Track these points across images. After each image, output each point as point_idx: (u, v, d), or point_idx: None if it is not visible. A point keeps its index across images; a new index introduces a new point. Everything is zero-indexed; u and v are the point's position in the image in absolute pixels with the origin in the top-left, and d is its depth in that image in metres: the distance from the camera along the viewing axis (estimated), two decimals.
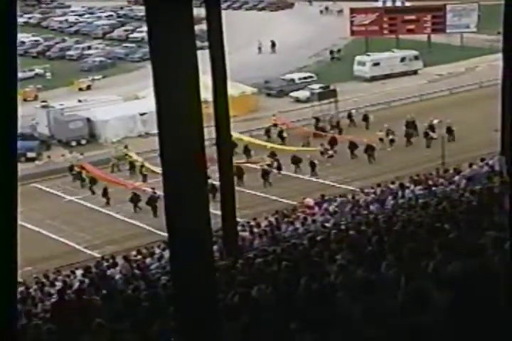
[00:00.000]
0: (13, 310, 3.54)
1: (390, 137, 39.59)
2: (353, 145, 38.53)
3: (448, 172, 27.96)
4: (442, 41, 63.59)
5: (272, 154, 37.56)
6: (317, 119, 44.28)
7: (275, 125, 43.64)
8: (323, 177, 36.03)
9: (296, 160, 36.99)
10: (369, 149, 37.66)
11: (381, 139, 39.66)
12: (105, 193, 33.93)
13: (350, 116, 44.88)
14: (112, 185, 35.11)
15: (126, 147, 40.24)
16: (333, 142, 39.33)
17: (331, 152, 38.23)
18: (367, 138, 39.00)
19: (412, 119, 41.01)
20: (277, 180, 35.93)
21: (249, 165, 36.93)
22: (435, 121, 39.29)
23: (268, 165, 36.36)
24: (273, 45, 68.18)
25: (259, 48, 67.84)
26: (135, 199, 32.78)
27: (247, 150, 38.78)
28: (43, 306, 17.41)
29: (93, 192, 35.33)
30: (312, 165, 36.33)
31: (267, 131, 42.72)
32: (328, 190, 32.06)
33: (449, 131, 38.81)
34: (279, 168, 36.70)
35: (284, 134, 41.95)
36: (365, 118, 44.00)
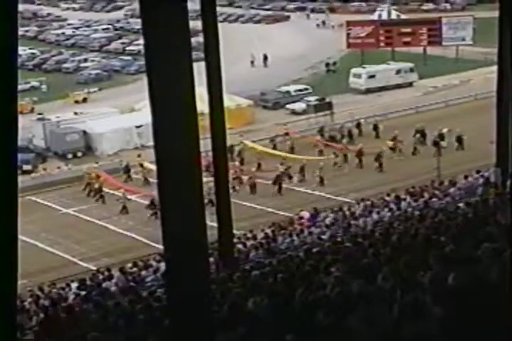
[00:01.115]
0: (13, 321, 3.52)
1: (398, 146, 39.69)
2: (360, 155, 38.67)
3: (443, 185, 28.01)
4: (438, 54, 63.86)
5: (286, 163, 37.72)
6: (323, 129, 44.37)
7: (286, 134, 43.71)
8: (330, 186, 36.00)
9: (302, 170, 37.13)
10: (378, 158, 37.75)
11: (391, 148, 39.81)
12: (126, 200, 34.53)
13: (358, 125, 44.95)
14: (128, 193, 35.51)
15: (139, 156, 39.87)
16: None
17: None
18: (376, 147, 39.16)
19: (421, 128, 41.27)
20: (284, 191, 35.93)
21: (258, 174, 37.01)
22: (444, 130, 39.43)
23: (282, 173, 36.36)
24: (265, 58, 67.92)
25: (252, 62, 67.85)
26: (152, 206, 32.86)
27: (260, 159, 38.96)
28: (37, 319, 17.30)
29: (102, 201, 35.87)
30: (321, 175, 36.33)
31: (276, 141, 42.79)
32: (329, 202, 31.99)
33: (459, 139, 39.39)
34: (289, 178, 36.79)
35: (292, 143, 42.11)
36: (375, 127, 44.17)
